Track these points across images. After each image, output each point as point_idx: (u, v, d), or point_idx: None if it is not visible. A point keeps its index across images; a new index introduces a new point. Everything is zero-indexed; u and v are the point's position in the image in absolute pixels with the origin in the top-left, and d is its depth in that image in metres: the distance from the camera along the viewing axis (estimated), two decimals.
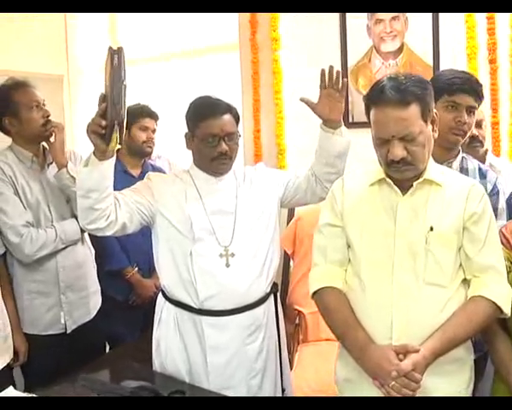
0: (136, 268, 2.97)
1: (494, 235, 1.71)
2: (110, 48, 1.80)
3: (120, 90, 1.77)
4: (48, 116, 2.50)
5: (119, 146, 1.96)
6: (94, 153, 1.88)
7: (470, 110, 2.06)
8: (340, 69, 3.27)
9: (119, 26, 4.64)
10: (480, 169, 2.15)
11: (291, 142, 3.81)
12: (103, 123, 1.80)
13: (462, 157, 2.15)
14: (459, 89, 2.03)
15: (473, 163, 2.17)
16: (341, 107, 2.11)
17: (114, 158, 1.93)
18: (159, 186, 2.13)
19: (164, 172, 2.98)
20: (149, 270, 2.96)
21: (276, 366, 2.21)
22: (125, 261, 2.96)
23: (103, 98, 1.82)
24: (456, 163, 2.13)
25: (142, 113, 3.06)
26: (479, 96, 2.08)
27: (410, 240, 1.67)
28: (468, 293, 1.69)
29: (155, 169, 3.11)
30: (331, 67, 2.06)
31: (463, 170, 2.13)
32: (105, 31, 4.63)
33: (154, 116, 3.14)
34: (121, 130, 1.83)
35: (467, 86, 2.04)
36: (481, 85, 2.10)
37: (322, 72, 2.07)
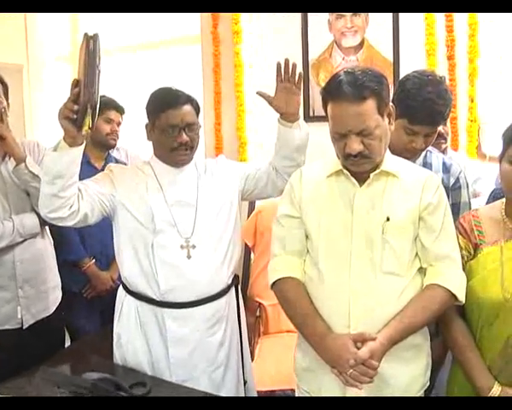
0: (94, 260, 2.95)
1: (449, 225, 1.75)
2: (86, 34, 1.79)
3: (94, 75, 1.77)
4: None
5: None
6: (64, 139, 1.86)
7: (429, 135, 2.03)
8: (301, 63, 3.30)
9: (81, 16, 4.59)
10: (444, 163, 2.17)
11: (252, 135, 3.84)
12: (75, 108, 1.79)
13: (427, 151, 2.17)
14: (420, 121, 1.97)
15: (437, 157, 2.19)
16: (298, 100, 2.09)
17: (84, 146, 1.91)
18: (119, 177, 2.12)
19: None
20: (107, 263, 2.96)
21: (237, 357, 2.22)
22: (82, 253, 2.93)
23: (76, 83, 1.80)
24: (420, 159, 2.15)
25: (107, 105, 3.03)
26: (442, 122, 2.05)
27: (366, 230, 1.69)
28: (424, 281, 1.72)
29: (119, 162, 3.07)
30: (287, 60, 2.04)
31: (427, 164, 2.15)
32: (66, 21, 4.57)
33: (119, 109, 3.12)
34: (94, 114, 1.82)
35: (429, 119, 1.97)
36: (446, 110, 2.01)
37: (278, 65, 2.04)
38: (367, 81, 1.61)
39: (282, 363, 2.74)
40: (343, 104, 1.62)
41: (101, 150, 3.06)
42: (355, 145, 1.62)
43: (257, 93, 2.14)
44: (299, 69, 2.08)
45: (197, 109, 2.13)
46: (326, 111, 1.70)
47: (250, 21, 3.77)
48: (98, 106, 1.83)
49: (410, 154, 2.04)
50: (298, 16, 3.61)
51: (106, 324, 2.39)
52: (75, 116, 1.80)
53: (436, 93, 1.97)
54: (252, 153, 3.85)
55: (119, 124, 3.10)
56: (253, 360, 2.78)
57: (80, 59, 1.81)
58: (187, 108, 2.07)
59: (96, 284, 2.95)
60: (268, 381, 2.70)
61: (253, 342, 3.10)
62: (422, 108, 1.96)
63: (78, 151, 1.89)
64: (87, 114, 1.80)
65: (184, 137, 2.05)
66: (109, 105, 3.05)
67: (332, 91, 1.66)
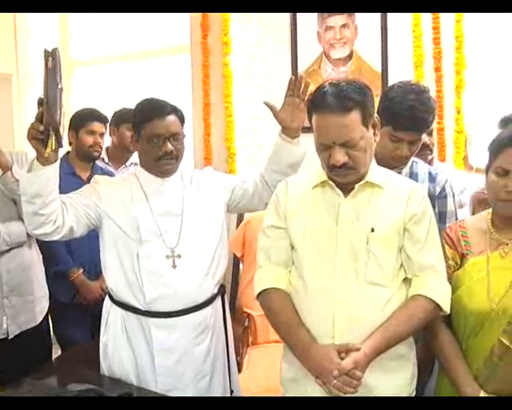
0: (82, 270, 2.94)
1: (434, 235, 1.75)
2: (45, 50, 1.76)
3: (55, 94, 1.73)
4: None
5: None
6: (37, 158, 1.84)
7: (414, 142, 2.06)
8: (290, 74, 3.32)
9: (70, 25, 4.60)
10: (429, 173, 2.18)
11: (241, 146, 3.84)
12: (41, 128, 1.76)
13: (413, 162, 2.19)
14: (404, 128, 2.00)
15: (423, 167, 2.21)
16: (304, 116, 2.06)
17: (58, 162, 1.89)
18: (105, 189, 2.12)
19: (113, 176, 2.96)
20: (96, 272, 2.94)
21: (224, 367, 2.22)
22: (70, 263, 2.93)
23: (41, 102, 1.77)
24: (406, 169, 2.16)
25: (89, 117, 3.02)
26: (426, 129, 2.07)
27: (351, 241, 1.69)
28: (409, 292, 1.73)
29: (105, 172, 3.07)
30: (301, 76, 2.06)
31: (413, 174, 2.16)
32: (55, 30, 4.58)
33: (102, 120, 3.09)
34: (57, 134, 1.78)
35: (413, 126, 2.00)
36: (430, 117, 2.04)
37: (292, 79, 2.06)
38: (351, 93, 1.62)
39: (270, 373, 2.73)
40: (327, 116, 1.62)
41: (87, 162, 3.05)
42: (339, 156, 1.63)
43: (264, 103, 2.13)
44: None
45: (182, 119, 2.14)
46: (311, 122, 1.70)
47: (240, 32, 3.79)
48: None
49: (395, 162, 2.06)
50: (287, 28, 3.62)
51: (96, 334, 2.39)
52: (42, 136, 1.78)
53: (419, 101, 2.01)
54: (240, 164, 3.85)
55: (102, 135, 3.07)
56: (241, 370, 2.78)
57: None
58: (172, 118, 2.08)
59: (85, 293, 2.95)
60: (256, 391, 2.69)
61: (242, 352, 3.10)
62: (406, 114, 1.99)
63: (53, 169, 1.87)
64: (50, 136, 1.78)
65: (169, 146, 2.06)
66: (92, 117, 3.03)
67: (316, 103, 1.66)
